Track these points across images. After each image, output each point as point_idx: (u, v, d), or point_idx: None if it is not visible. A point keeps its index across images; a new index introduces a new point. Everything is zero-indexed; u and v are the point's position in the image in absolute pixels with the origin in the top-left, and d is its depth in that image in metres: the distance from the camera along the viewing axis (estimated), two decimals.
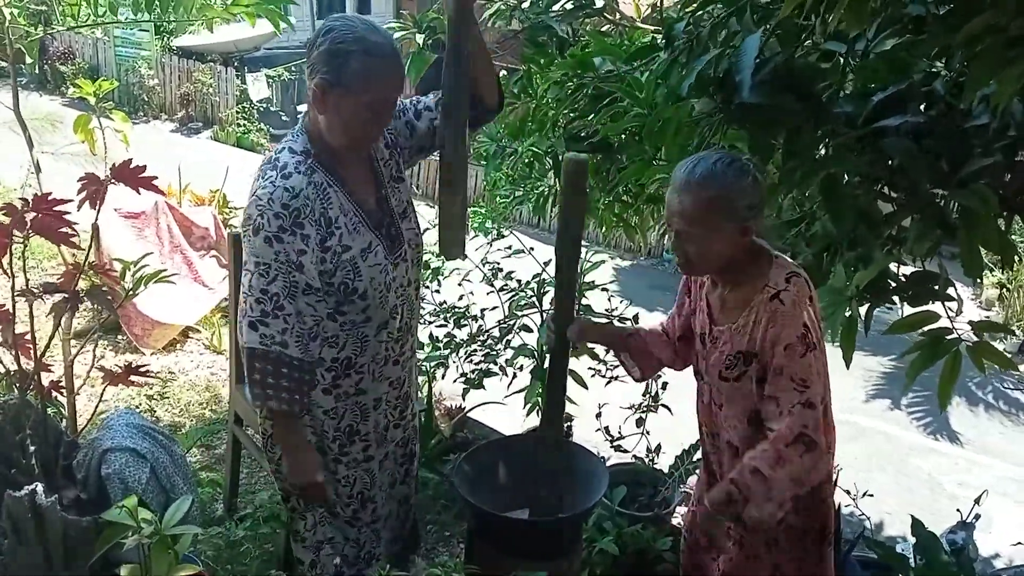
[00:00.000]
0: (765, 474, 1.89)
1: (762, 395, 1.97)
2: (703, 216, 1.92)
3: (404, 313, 2.21)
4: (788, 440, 1.89)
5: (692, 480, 2.99)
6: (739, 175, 1.92)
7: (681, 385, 2.43)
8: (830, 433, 2.11)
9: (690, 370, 2.32)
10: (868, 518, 3.47)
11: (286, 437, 2.10)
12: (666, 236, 3.49)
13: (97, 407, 2.38)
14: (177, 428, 4.11)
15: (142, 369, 2.23)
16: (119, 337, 5.03)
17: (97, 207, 1.89)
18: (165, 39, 15.35)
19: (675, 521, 3.12)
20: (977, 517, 3.53)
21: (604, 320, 3.26)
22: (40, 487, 1.86)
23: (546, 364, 3.32)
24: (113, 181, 1.89)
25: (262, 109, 14.66)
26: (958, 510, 3.58)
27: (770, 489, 1.88)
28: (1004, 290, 9.41)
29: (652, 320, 3.45)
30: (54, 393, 2.21)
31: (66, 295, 1.97)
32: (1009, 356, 2.25)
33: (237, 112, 14.46)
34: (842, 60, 2.27)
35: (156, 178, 1.96)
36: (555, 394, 2.34)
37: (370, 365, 2.15)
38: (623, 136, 2.75)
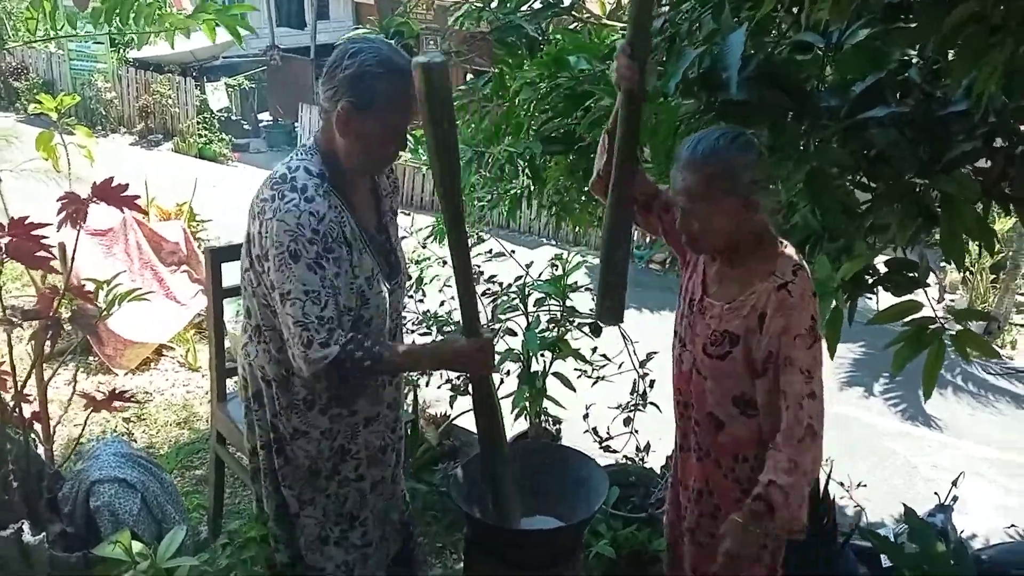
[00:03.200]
0: (784, 484, 1.88)
1: (770, 387, 1.96)
2: (706, 192, 1.91)
3: (398, 337, 2.23)
4: (800, 436, 1.89)
5: None
6: (742, 150, 1.91)
7: (669, 383, 2.41)
8: None
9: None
10: (863, 509, 3.49)
11: (423, 363, 2.22)
12: (636, 232, 3.43)
13: (81, 434, 2.31)
14: (155, 450, 4.02)
15: (126, 394, 2.16)
16: (90, 358, 4.93)
17: (78, 227, 1.83)
18: (121, 51, 15.12)
19: None
20: (955, 499, 3.57)
21: None
22: (26, 525, 1.79)
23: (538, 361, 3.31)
24: (95, 200, 1.82)
25: (223, 119, 14.49)
26: (936, 493, 3.61)
27: (791, 494, 1.87)
28: (968, 273, 9.53)
29: (630, 316, 3.44)
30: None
31: (47, 322, 1.89)
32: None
33: (198, 123, 14.27)
34: (820, 52, 2.26)
35: (138, 197, 1.90)
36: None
37: (364, 388, 2.12)
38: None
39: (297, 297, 1.86)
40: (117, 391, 2.17)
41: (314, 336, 1.86)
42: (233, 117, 14.79)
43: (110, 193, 1.83)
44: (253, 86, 15.38)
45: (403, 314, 2.49)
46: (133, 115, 14.79)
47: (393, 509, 2.38)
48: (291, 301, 1.87)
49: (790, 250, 2.03)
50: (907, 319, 2.27)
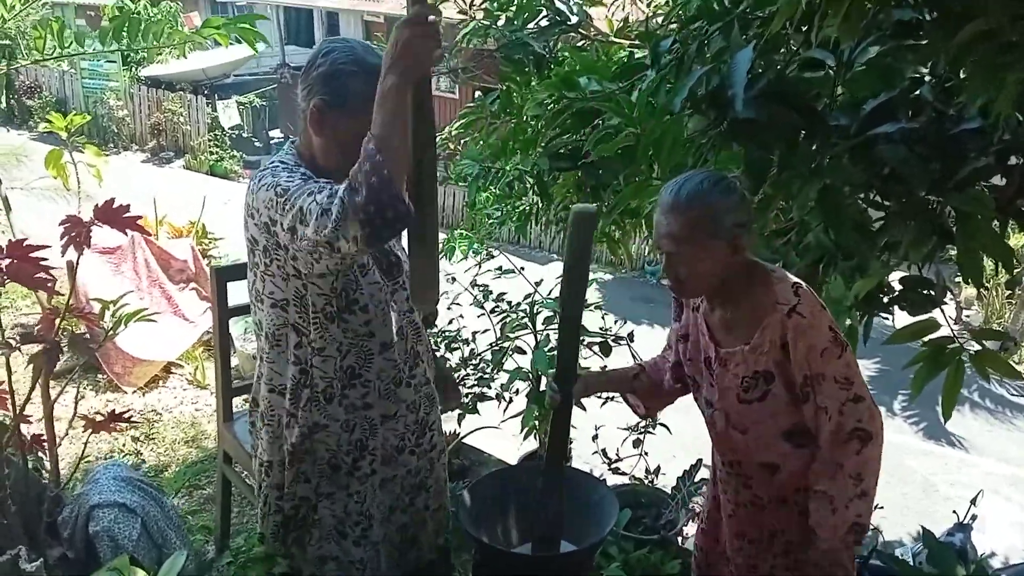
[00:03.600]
0: (825, 489, 1.92)
1: (815, 408, 1.95)
2: (691, 236, 1.90)
3: (410, 336, 2.15)
4: (844, 439, 1.90)
5: (699, 500, 2.93)
6: (725, 193, 1.91)
7: (678, 403, 2.39)
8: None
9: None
10: (880, 530, 3.43)
11: (387, 90, 1.66)
12: (647, 249, 3.37)
13: (82, 455, 2.28)
14: (163, 469, 4.01)
15: (126, 415, 2.13)
16: (99, 376, 4.91)
17: (81, 250, 1.80)
18: (133, 69, 15.26)
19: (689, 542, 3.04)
20: (974, 518, 3.52)
21: (601, 369, 3.12)
22: (23, 551, 1.75)
23: (545, 390, 3.26)
24: (97, 223, 1.80)
25: (234, 136, 14.59)
26: (954, 511, 3.56)
27: (835, 497, 1.91)
28: (983, 289, 9.44)
29: (640, 333, 3.41)
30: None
31: (47, 346, 1.87)
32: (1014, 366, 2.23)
33: (209, 140, 14.37)
34: (831, 70, 2.23)
35: (141, 217, 1.88)
36: (556, 449, 2.28)
37: (376, 382, 2.09)
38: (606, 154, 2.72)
39: (308, 205, 1.72)
40: (117, 412, 2.13)
41: (327, 205, 1.68)
42: (244, 134, 14.89)
43: (113, 214, 1.81)
44: (264, 104, 15.48)
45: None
46: (145, 133, 14.92)
47: (399, 520, 2.33)
48: (308, 211, 1.72)
49: (780, 273, 2.01)
50: (926, 339, 2.24)
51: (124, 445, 4.21)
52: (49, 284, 1.76)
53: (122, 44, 2.76)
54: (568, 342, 2.20)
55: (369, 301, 2.02)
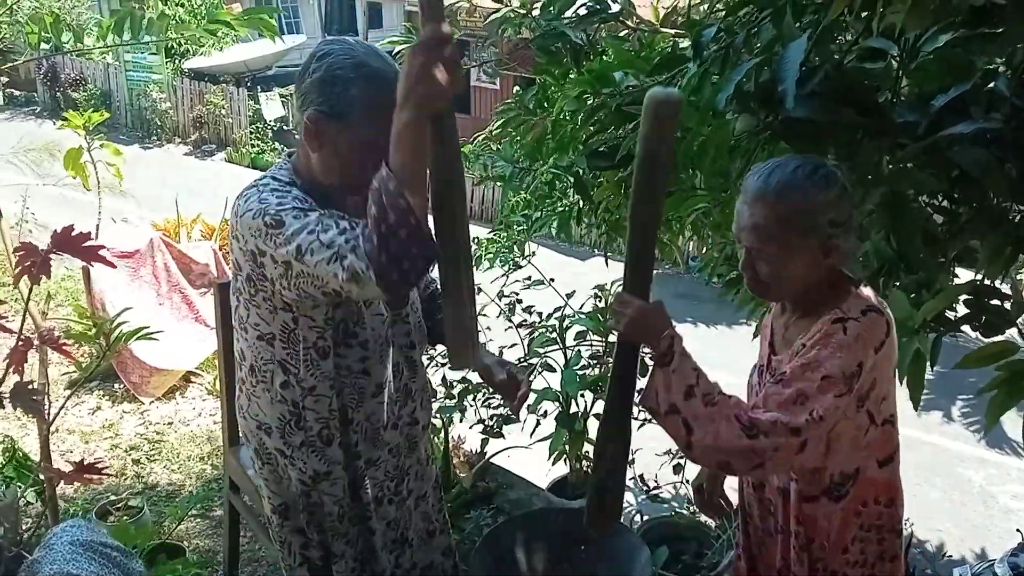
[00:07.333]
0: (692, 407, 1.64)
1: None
2: (780, 233, 1.64)
3: (405, 373, 1.95)
4: (742, 412, 1.60)
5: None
6: (823, 185, 1.64)
7: None
8: (894, 492, 1.83)
9: None
10: (944, 551, 3.17)
11: (402, 125, 1.45)
12: (691, 244, 3.12)
13: (49, 506, 2.05)
14: (177, 488, 3.85)
15: (98, 464, 1.94)
16: (116, 386, 4.77)
17: (35, 280, 1.61)
18: (176, 61, 15.35)
19: None
20: None
21: None
22: None
23: (573, 409, 3.04)
24: (55, 252, 1.63)
25: (276, 128, 14.57)
26: (1018, 530, 3.30)
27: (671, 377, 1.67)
28: None
29: (682, 332, 3.17)
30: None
31: None
32: None
33: (250, 132, 14.38)
34: (895, 62, 1.98)
35: (102, 247, 1.71)
36: (620, 398, 1.95)
37: (364, 424, 1.89)
38: None
39: (309, 244, 1.52)
40: (87, 463, 1.95)
41: (336, 248, 1.49)
42: (287, 127, 14.86)
43: (70, 242, 1.64)
44: None
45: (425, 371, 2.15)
46: (187, 125, 14.99)
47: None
48: (308, 250, 1.52)
49: (868, 292, 1.74)
50: (1001, 362, 2.00)
51: (139, 460, 4.08)
52: None
53: (121, 38, 2.60)
54: (644, 253, 1.81)
55: (369, 336, 1.82)
